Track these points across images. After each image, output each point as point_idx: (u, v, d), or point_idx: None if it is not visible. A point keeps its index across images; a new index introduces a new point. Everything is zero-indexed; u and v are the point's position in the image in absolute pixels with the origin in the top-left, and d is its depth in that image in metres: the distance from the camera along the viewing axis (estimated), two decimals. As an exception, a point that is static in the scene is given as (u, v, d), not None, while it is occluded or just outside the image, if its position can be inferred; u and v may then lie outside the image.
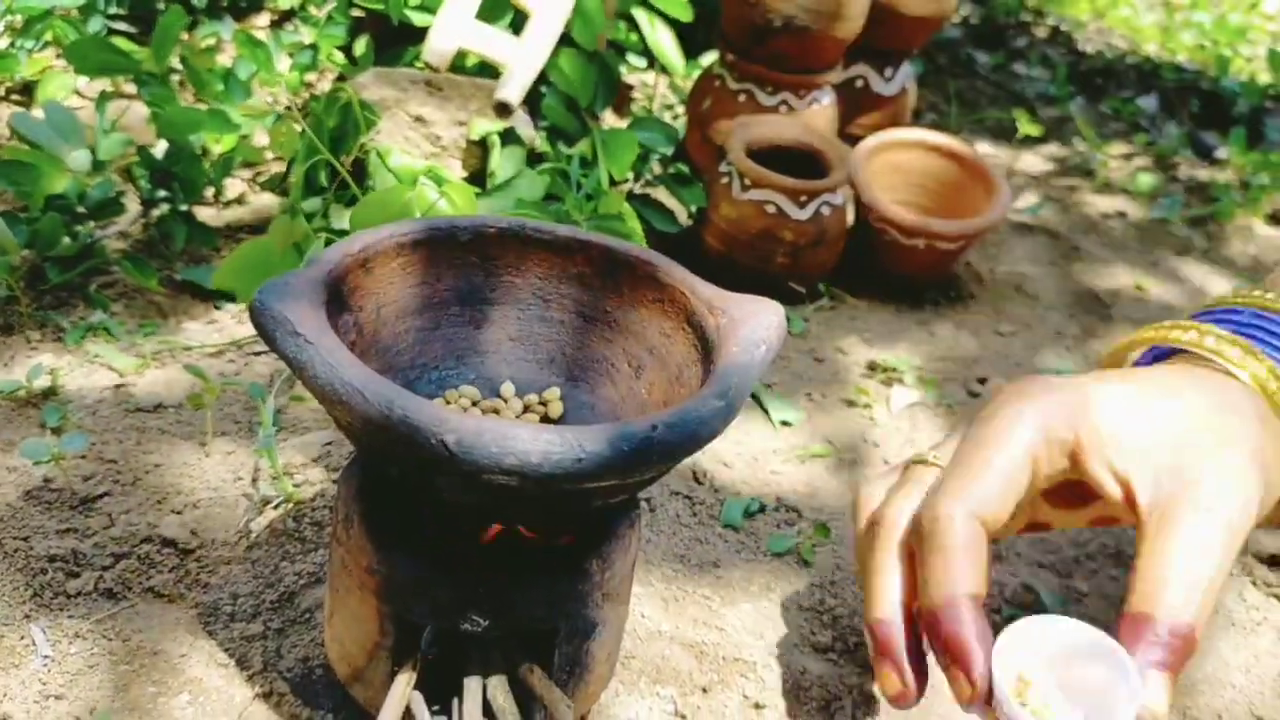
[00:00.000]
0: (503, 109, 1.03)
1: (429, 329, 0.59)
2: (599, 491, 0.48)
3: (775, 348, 0.54)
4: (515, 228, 0.61)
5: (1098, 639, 0.49)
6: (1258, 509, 0.53)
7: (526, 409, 0.59)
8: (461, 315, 0.60)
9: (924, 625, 0.52)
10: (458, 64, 1.18)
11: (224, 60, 1.24)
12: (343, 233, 0.85)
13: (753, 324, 0.54)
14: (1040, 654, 0.49)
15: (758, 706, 0.66)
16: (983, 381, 1.03)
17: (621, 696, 0.64)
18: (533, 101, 1.17)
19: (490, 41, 1.06)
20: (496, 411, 0.58)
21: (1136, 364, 0.67)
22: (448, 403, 0.58)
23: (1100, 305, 1.24)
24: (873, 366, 1.03)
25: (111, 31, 1.27)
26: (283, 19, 1.48)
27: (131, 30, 1.30)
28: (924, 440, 0.93)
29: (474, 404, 0.59)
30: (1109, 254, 1.37)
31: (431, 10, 1.16)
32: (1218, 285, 1.33)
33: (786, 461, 0.88)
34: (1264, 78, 2.13)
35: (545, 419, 0.59)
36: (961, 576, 0.50)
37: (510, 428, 0.44)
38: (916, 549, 0.53)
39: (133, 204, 1.01)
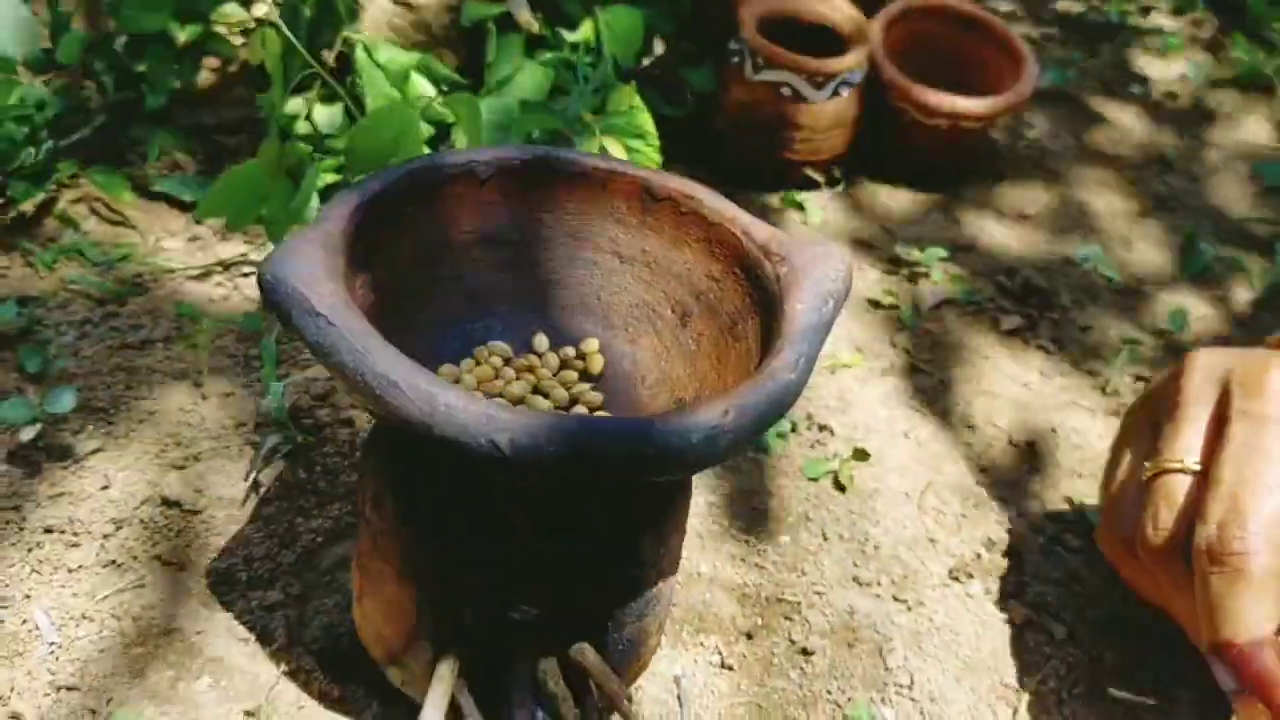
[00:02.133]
0: (495, -11, 0.94)
1: (451, 278, 0.53)
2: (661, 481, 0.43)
3: (843, 300, 0.49)
4: (540, 158, 0.54)
5: None
6: None
7: (564, 365, 0.54)
8: (485, 261, 0.54)
9: (1226, 658, 0.54)
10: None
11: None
12: (336, 152, 0.77)
13: (817, 274, 0.49)
14: None
15: (805, 652, 0.63)
16: (1010, 274, 0.98)
17: (666, 652, 0.61)
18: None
19: (478, -88, 0.96)
20: (531, 369, 0.53)
21: None
22: (477, 362, 0.53)
23: (1125, 181, 1.18)
24: (896, 261, 0.97)
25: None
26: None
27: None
28: (955, 342, 0.89)
29: (506, 362, 0.53)
30: (1133, 122, 1.30)
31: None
32: (1243, 153, 1.27)
33: (816, 373, 0.83)
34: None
35: (585, 375, 0.54)
36: (1266, 614, 0.53)
37: (567, 423, 0.39)
38: (1206, 571, 0.55)
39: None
